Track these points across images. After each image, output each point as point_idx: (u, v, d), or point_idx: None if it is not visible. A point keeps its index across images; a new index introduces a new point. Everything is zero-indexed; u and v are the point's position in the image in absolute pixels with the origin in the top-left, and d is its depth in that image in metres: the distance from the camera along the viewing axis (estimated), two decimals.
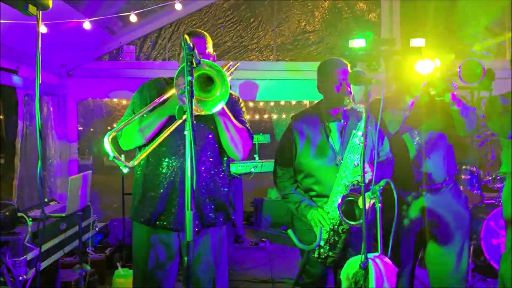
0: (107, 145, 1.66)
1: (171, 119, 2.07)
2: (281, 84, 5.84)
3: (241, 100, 2.38)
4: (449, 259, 2.77)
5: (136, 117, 1.95)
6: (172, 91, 2.01)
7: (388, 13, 5.78)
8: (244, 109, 2.38)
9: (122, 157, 1.69)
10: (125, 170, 1.72)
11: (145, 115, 2.09)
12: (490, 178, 4.39)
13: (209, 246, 2.26)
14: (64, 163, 5.43)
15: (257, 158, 5.41)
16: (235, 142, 2.19)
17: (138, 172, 2.26)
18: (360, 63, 5.28)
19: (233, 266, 4.60)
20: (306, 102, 6.97)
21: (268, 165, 5.22)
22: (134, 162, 1.78)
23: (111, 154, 1.65)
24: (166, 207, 2.18)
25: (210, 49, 2.25)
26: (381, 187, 2.20)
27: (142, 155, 1.89)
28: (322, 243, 2.47)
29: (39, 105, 5.06)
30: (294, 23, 5.93)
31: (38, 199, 4.38)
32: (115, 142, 1.91)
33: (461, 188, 4.18)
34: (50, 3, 1.53)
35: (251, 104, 7.74)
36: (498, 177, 4.29)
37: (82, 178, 3.40)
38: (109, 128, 7.39)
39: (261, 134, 5.63)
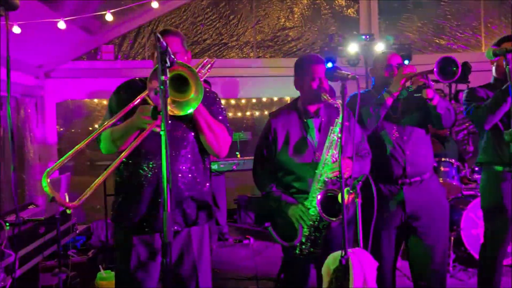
0: (46, 186, 1.54)
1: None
2: (262, 81, 5.85)
3: (219, 98, 2.37)
4: (430, 251, 2.80)
5: (96, 132, 1.88)
6: (143, 95, 1.98)
7: (367, 8, 5.83)
8: (222, 106, 2.36)
9: (66, 197, 1.59)
10: (67, 211, 1.63)
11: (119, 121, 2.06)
12: (469, 169, 4.45)
13: (191, 245, 2.24)
14: (44, 166, 5.34)
15: (238, 156, 5.41)
16: (214, 140, 2.18)
17: (119, 174, 2.22)
18: (339, 58, 5.33)
19: (217, 264, 4.59)
20: (287, 98, 6.99)
21: (250, 162, 5.18)
22: (78, 202, 1.66)
23: (49, 195, 1.55)
24: (148, 208, 2.15)
25: (184, 47, 2.23)
26: (360, 182, 2.21)
27: (87, 194, 1.71)
28: (303, 240, 2.48)
29: (17, 107, 4.99)
30: (273, 20, 5.95)
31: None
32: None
33: (441, 180, 4.23)
34: (18, 3, 1.50)
35: (232, 101, 7.73)
36: (476, 168, 4.36)
37: (60, 180, 3.34)
38: (90, 129, 7.30)
39: (242, 131, 5.63)
